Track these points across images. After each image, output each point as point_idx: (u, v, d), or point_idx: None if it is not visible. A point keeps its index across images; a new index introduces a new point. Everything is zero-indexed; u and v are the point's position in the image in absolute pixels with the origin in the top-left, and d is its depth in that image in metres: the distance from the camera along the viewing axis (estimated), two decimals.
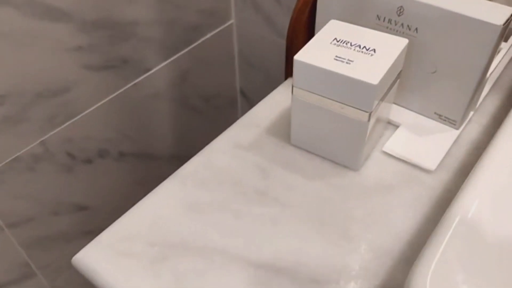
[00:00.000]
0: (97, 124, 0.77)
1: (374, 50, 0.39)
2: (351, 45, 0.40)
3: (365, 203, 0.41)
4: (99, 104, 0.76)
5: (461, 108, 0.44)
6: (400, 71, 0.42)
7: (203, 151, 0.47)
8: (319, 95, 0.40)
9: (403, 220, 0.39)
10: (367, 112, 0.38)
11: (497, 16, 0.39)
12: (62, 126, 0.72)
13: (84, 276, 0.37)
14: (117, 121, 0.81)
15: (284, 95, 0.52)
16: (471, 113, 0.47)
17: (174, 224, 0.39)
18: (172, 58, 0.84)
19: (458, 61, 0.42)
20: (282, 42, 0.88)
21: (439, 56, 0.43)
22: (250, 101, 1.05)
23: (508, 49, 0.51)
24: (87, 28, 0.67)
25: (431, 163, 0.43)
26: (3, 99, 0.62)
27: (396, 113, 0.48)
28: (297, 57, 0.39)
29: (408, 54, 0.42)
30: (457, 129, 0.46)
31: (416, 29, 0.42)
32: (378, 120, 0.42)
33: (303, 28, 0.50)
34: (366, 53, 0.39)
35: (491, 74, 0.44)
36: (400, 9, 0.42)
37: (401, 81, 0.44)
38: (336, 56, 0.39)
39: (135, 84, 0.80)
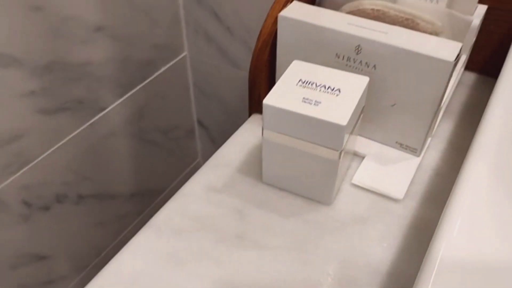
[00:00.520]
0: (53, 169, 0.74)
1: (339, 90, 0.41)
2: (316, 85, 0.41)
3: (341, 237, 0.42)
4: (55, 147, 0.73)
5: (421, 137, 0.47)
6: (363, 107, 0.44)
7: (175, 196, 0.46)
8: (290, 136, 0.41)
9: (379, 251, 0.41)
10: (337, 150, 0.40)
11: (448, 52, 0.41)
12: (17, 174, 0.69)
13: None
14: (75, 163, 0.78)
15: (250, 132, 0.53)
16: (429, 139, 0.50)
17: (155, 279, 0.38)
18: (127, 95, 0.83)
19: (415, 94, 0.44)
20: (237, 71, 0.89)
21: (398, 90, 0.45)
22: (208, 131, 1.05)
23: (456, 77, 0.54)
24: (39, 72, 0.65)
25: (398, 192, 0.45)
26: None
27: (361, 144, 0.50)
28: (266, 101, 0.40)
29: (369, 89, 0.43)
30: (418, 156, 0.48)
31: (374, 66, 0.44)
32: (346, 154, 0.43)
33: (265, 67, 0.51)
34: (332, 94, 0.40)
35: (444, 102, 0.47)
36: (358, 48, 0.44)
37: (364, 114, 0.46)
38: (304, 98, 0.40)
39: (91, 124, 0.78)
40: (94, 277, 0.39)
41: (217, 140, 1.07)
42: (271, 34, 0.50)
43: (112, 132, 0.83)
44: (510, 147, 0.35)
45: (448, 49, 0.42)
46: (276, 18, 0.48)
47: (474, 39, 0.54)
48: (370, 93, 0.45)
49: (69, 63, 0.69)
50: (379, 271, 0.39)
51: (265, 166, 0.45)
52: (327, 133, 0.39)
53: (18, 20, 0.59)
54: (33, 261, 0.78)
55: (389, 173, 0.47)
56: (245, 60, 0.87)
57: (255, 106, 0.54)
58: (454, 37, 0.48)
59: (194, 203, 0.45)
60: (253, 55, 0.51)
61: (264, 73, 0.52)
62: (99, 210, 0.88)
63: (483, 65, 0.59)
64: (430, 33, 0.48)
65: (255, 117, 0.55)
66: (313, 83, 0.41)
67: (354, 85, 0.41)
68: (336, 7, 0.52)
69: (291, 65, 0.44)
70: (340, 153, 0.40)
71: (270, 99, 0.40)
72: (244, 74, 0.88)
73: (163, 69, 0.89)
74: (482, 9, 0.53)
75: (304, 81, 0.42)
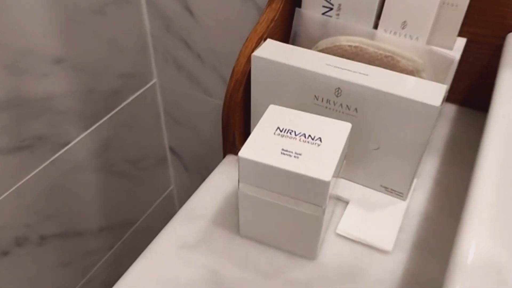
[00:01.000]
0: (12, 211, 0.69)
1: (320, 139, 0.38)
2: (295, 134, 0.38)
3: None
4: (12, 188, 0.68)
5: (407, 180, 0.44)
6: (346, 153, 0.41)
7: (144, 255, 0.42)
8: (268, 190, 0.38)
9: None
10: (321, 206, 0.36)
11: (433, 95, 0.39)
12: None
13: None
14: (36, 203, 0.72)
15: (225, 175, 0.49)
16: (415, 180, 0.47)
17: None
18: (92, 127, 0.78)
19: (399, 138, 0.42)
20: (208, 99, 0.85)
21: (381, 134, 0.42)
22: (181, 159, 1.01)
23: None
24: None
25: (387, 243, 0.42)
26: None
27: (344, 187, 0.47)
28: (242, 154, 0.37)
29: (351, 132, 0.41)
30: (404, 200, 0.46)
31: (356, 109, 0.42)
32: (329, 199, 0.40)
33: (239, 107, 0.48)
34: (313, 144, 0.37)
35: None
36: (337, 90, 0.41)
37: (346, 157, 0.43)
38: (283, 150, 0.37)
39: (53, 160, 0.72)
40: None
41: (190, 167, 1.03)
42: (244, 73, 0.46)
43: (77, 166, 0.78)
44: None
45: (433, 92, 0.39)
46: (249, 57, 0.44)
47: (454, 71, 0.52)
48: (352, 137, 0.42)
49: (27, 99, 0.64)
50: None
51: (242, 220, 0.42)
52: (309, 188, 0.36)
53: None
54: None
55: (375, 220, 0.44)
56: (217, 87, 0.83)
57: (230, 147, 0.51)
58: (436, 75, 0.46)
59: (165, 264, 0.41)
60: (226, 95, 0.47)
61: (238, 113, 0.48)
62: (65, 249, 0.82)
63: (464, 96, 0.57)
64: (411, 71, 0.45)
65: (229, 158, 0.51)
66: (292, 131, 0.38)
67: (336, 132, 0.38)
68: (311, 44, 0.49)
69: (267, 111, 0.40)
70: (324, 210, 0.37)
71: (246, 152, 0.37)
72: (217, 102, 0.85)
73: (131, 98, 0.84)
74: (461, 41, 0.51)
75: (282, 129, 0.38)
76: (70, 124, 0.73)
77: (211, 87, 0.83)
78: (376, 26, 0.48)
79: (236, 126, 0.49)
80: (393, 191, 0.46)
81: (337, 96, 0.42)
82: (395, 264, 0.41)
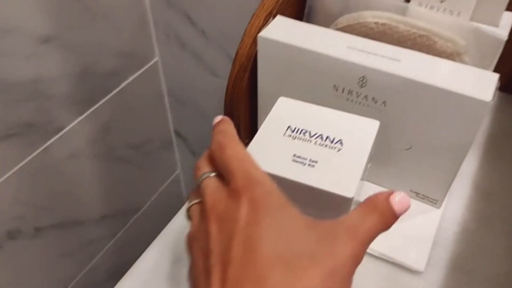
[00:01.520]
0: (2, 203, 0.63)
1: (341, 142, 0.30)
2: (310, 135, 0.31)
3: None
4: (2, 179, 0.62)
5: (443, 186, 0.37)
6: (373, 154, 0.34)
7: (132, 271, 0.36)
8: None
9: None
10: None
11: (482, 86, 0.32)
12: None
13: None
14: (28, 194, 0.67)
15: None
16: None
17: None
18: (88, 112, 0.72)
19: (437, 138, 0.34)
20: (214, 79, 0.78)
21: (414, 132, 0.35)
22: (187, 142, 0.95)
23: None
24: None
25: (418, 262, 0.35)
26: None
27: (367, 192, 0.40)
28: None
29: (378, 129, 0.33)
30: (438, 208, 0.39)
31: (384, 102, 0.34)
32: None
33: (244, 97, 0.41)
34: (332, 148, 0.30)
35: None
36: (362, 80, 0.34)
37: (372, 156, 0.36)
38: (295, 156, 0.30)
39: (45, 148, 0.67)
40: None
41: (197, 150, 0.96)
42: (250, 57, 0.39)
43: (73, 154, 0.72)
44: None
45: (482, 82, 0.32)
46: (256, 38, 0.37)
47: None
48: (379, 134, 0.35)
49: (12, 83, 0.57)
50: None
51: None
52: (327, 204, 0.29)
53: None
54: None
55: (404, 232, 0.37)
56: (224, 67, 0.76)
57: None
58: (481, 59, 0.38)
59: (156, 283, 0.35)
60: (229, 83, 0.40)
61: (243, 103, 0.41)
62: (63, 240, 0.78)
63: (507, 81, 0.49)
64: (451, 54, 0.37)
65: None
66: (306, 131, 0.31)
67: (360, 133, 0.31)
68: (331, 20, 0.41)
69: (276, 105, 0.33)
70: None
71: None
72: (224, 82, 0.77)
73: (131, 78, 0.78)
74: (508, 16, 0.43)
75: (294, 129, 0.31)
76: (62, 109, 0.66)
77: (217, 67, 0.76)
78: None
79: (241, 118, 0.42)
80: (425, 198, 0.39)
81: (361, 87, 0.34)
82: (428, 287, 0.34)
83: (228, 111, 0.42)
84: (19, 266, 0.71)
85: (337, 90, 0.36)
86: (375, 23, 0.39)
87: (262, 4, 0.40)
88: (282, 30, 0.36)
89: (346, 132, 0.31)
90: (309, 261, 0.20)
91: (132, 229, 0.95)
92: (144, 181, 0.93)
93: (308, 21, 0.44)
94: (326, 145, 0.30)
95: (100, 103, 0.73)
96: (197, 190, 0.25)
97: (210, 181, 0.24)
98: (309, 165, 0.29)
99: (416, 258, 0.36)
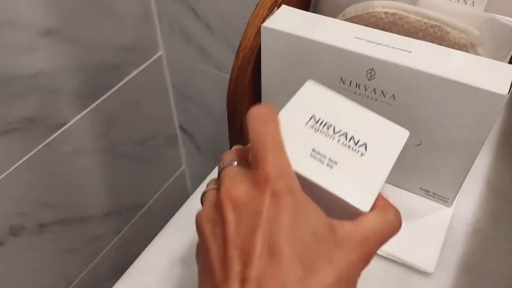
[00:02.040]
0: (4, 199, 0.63)
1: (365, 146, 0.28)
2: (334, 131, 0.28)
3: None
4: (3, 175, 0.62)
5: (455, 183, 0.35)
6: None
7: (130, 271, 0.35)
8: None
9: None
10: None
11: (498, 79, 0.30)
12: None
13: None
14: (31, 190, 0.67)
15: None
16: None
17: None
18: (91, 107, 0.71)
19: (449, 133, 0.33)
20: (220, 74, 0.77)
21: (425, 127, 0.33)
22: (192, 137, 0.94)
23: None
24: None
25: (428, 262, 0.34)
26: None
27: None
28: None
29: None
30: (449, 206, 0.37)
31: (393, 95, 0.33)
32: None
33: (247, 91, 0.39)
34: (355, 150, 0.27)
35: None
36: (370, 72, 0.32)
37: None
38: (314, 151, 0.27)
39: (48, 143, 0.66)
40: None
41: (202, 146, 0.95)
42: (254, 49, 0.38)
43: (76, 149, 0.71)
44: None
45: (497, 75, 0.30)
46: (259, 28, 0.36)
47: None
48: None
49: (11, 77, 0.56)
50: None
51: None
52: (340, 211, 0.27)
53: None
54: None
55: (413, 232, 0.36)
56: (230, 61, 0.74)
57: (236, 138, 0.43)
58: (496, 51, 0.36)
59: (151, 283, 0.34)
60: (231, 76, 0.39)
61: (247, 98, 0.40)
62: (67, 236, 0.77)
63: None
64: (464, 45, 0.36)
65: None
66: (331, 125, 0.28)
67: (387, 140, 0.28)
68: (338, 10, 0.39)
69: (303, 88, 0.30)
70: None
71: None
72: (229, 77, 0.76)
73: (134, 72, 0.76)
74: None
75: (318, 121, 0.28)
76: (64, 104, 0.65)
77: (223, 61, 0.75)
78: None
79: (244, 113, 0.41)
80: (435, 196, 0.37)
81: (369, 79, 0.33)
82: None
83: (231, 106, 0.41)
84: (22, 263, 0.71)
85: (344, 83, 0.34)
86: (384, 13, 0.37)
87: None
88: (287, 20, 0.35)
89: (373, 136, 0.28)
90: (327, 265, 0.20)
91: (137, 225, 0.94)
92: (148, 177, 0.93)
93: (315, 11, 0.42)
94: (349, 146, 0.28)
95: (104, 97, 0.72)
96: (217, 179, 0.24)
97: (232, 168, 0.23)
98: (327, 164, 0.27)
99: (425, 258, 0.34)
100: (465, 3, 0.37)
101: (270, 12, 0.37)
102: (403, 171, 0.37)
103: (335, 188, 0.26)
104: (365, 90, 0.34)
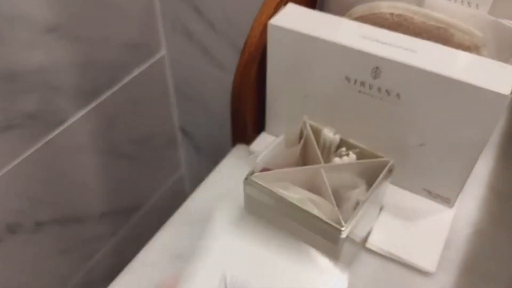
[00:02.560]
0: (2, 196, 0.62)
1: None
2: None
3: None
4: (3, 172, 0.61)
5: (457, 184, 0.35)
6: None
7: (132, 265, 0.35)
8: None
9: None
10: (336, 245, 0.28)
11: (500, 80, 0.30)
12: None
13: None
14: (29, 188, 0.66)
15: (231, 171, 0.41)
16: None
17: None
18: (92, 105, 0.70)
19: (452, 133, 0.33)
20: (222, 74, 0.77)
21: (428, 127, 0.33)
22: (192, 139, 0.93)
23: None
24: None
25: (429, 262, 0.34)
26: None
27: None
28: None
29: (391, 123, 0.32)
30: (451, 207, 0.37)
31: (398, 94, 0.33)
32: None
33: (251, 89, 0.39)
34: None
35: None
36: (375, 71, 0.33)
37: (384, 152, 0.35)
38: None
39: (48, 141, 0.66)
40: None
41: (202, 148, 0.95)
42: (259, 46, 0.38)
43: (76, 147, 0.71)
44: None
45: (500, 76, 0.30)
46: (266, 26, 0.36)
47: None
48: (392, 128, 0.34)
49: (14, 73, 0.56)
50: None
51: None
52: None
53: None
54: None
55: (414, 232, 0.36)
56: (233, 61, 0.74)
57: (240, 136, 0.43)
58: (499, 53, 0.36)
59: (155, 277, 0.33)
60: (236, 73, 0.39)
61: (251, 96, 0.40)
62: (63, 236, 0.76)
63: None
64: (468, 47, 0.36)
65: (239, 149, 0.43)
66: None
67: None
68: (345, 10, 0.40)
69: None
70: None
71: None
72: (232, 77, 0.76)
73: (136, 71, 0.76)
74: None
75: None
76: (66, 101, 0.65)
77: (226, 61, 0.75)
78: None
79: (248, 112, 0.41)
80: (438, 196, 0.37)
81: (374, 78, 0.33)
82: None
83: (235, 105, 0.41)
84: (19, 261, 0.70)
85: (349, 81, 0.34)
86: (390, 14, 0.37)
87: None
88: (293, 18, 0.35)
89: None
90: None
91: (134, 227, 0.94)
92: (147, 178, 0.92)
93: (321, 10, 0.43)
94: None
95: (105, 96, 0.72)
96: None
97: None
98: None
99: (427, 259, 0.34)
100: (470, 6, 0.37)
101: (276, 10, 0.37)
102: (407, 172, 0.37)
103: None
104: (370, 89, 0.34)
